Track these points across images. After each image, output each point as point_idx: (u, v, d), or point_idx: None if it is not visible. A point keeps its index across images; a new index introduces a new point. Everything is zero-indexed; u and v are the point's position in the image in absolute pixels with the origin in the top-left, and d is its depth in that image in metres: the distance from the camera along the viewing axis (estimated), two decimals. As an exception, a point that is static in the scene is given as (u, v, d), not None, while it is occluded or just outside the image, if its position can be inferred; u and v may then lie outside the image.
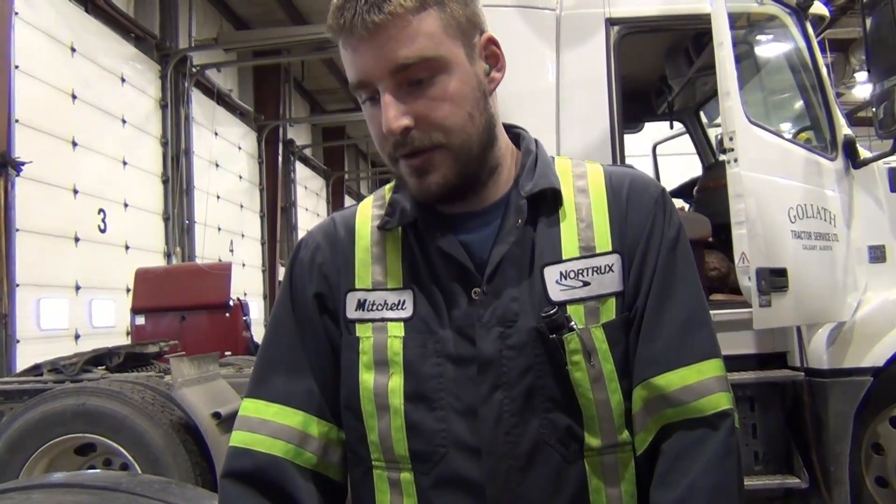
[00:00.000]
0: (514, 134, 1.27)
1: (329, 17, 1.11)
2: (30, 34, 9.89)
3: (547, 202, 1.17)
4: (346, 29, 1.07)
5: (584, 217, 1.17)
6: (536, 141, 1.26)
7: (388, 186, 1.27)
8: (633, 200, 1.18)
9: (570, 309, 1.12)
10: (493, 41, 1.17)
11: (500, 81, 1.18)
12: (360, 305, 1.19)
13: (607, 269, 1.14)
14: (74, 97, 10.92)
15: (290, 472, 1.18)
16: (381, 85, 1.08)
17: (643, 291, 1.15)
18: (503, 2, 3.75)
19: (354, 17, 1.06)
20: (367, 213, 1.26)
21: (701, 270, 3.97)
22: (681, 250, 1.18)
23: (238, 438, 1.21)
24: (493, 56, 1.17)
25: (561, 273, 1.14)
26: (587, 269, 1.14)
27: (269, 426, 1.19)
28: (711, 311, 1.22)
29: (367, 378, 1.16)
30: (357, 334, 1.19)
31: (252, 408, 1.22)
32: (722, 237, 4.10)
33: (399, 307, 1.17)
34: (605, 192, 1.19)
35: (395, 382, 1.15)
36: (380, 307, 1.18)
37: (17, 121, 9.38)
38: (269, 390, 1.22)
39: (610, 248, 1.15)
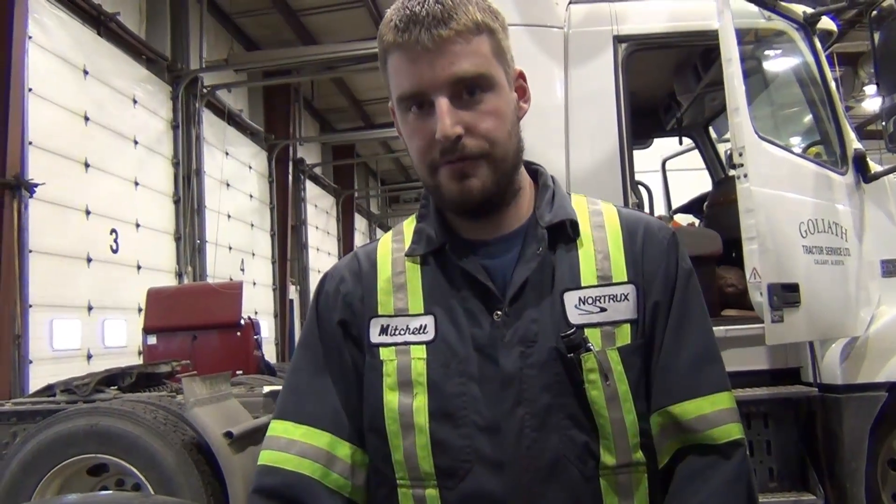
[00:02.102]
0: (532, 170, 1.34)
1: (386, 32, 1.18)
2: (43, 57, 10.01)
3: (565, 232, 1.25)
4: (410, 41, 1.14)
5: (601, 249, 1.25)
6: (553, 177, 1.33)
7: (406, 221, 1.34)
8: (648, 241, 1.27)
9: (587, 332, 1.19)
10: (522, 76, 1.28)
11: (527, 112, 1.28)
12: (384, 330, 1.25)
13: (623, 297, 1.22)
14: (87, 119, 11.02)
15: (317, 491, 1.22)
16: (437, 94, 1.15)
17: (660, 325, 1.23)
18: (511, 20, 3.76)
19: (421, 31, 1.13)
20: (387, 246, 1.33)
21: (713, 286, 3.95)
22: (693, 288, 1.27)
23: (266, 457, 1.25)
24: (521, 89, 1.28)
25: (580, 298, 1.21)
26: (604, 296, 1.22)
27: (298, 446, 1.24)
28: (724, 327, 1.30)
29: (391, 399, 1.21)
30: (381, 357, 1.24)
31: (280, 428, 1.27)
32: (734, 253, 4.09)
33: (421, 331, 1.23)
34: (620, 229, 1.28)
35: (420, 402, 1.19)
36: (402, 331, 1.24)
37: (30, 143, 9.47)
38: (297, 412, 1.27)
39: (625, 279, 1.23)
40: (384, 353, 1.24)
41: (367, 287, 1.28)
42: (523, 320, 1.19)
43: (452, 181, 1.18)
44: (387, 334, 1.24)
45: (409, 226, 1.33)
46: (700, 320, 1.26)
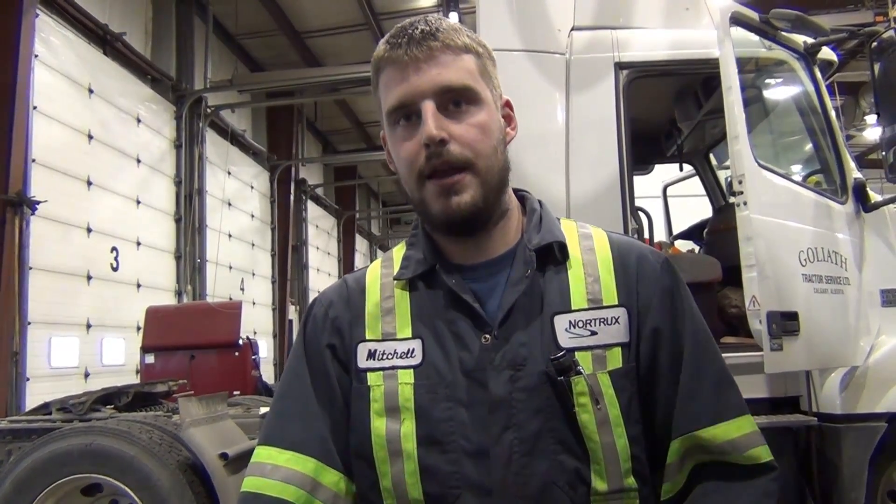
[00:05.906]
0: (519, 196, 1.35)
1: (379, 49, 1.23)
2: (49, 76, 10.08)
3: (553, 255, 1.25)
4: (400, 55, 1.18)
5: (592, 272, 1.24)
6: (540, 201, 1.34)
7: (396, 248, 1.35)
8: (642, 267, 1.27)
9: (577, 355, 1.18)
10: (509, 104, 1.31)
11: (513, 139, 1.29)
12: (371, 355, 1.24)
13: (613, 320, 1.21)
14: (91, 137, 11.07)
15: None
16: (424, 102, 1.18)
17: (665, 352, 1.22)
18: (514, 46, 3.81)
19: (410, 43, 1.18)
20: (376, 272, 1.33)
21: (713, 312, 3.94)
22: (697, 313, 1.27)
23: (249, 484, 1.23)
24: (507, 117, 1.30)
25: (570, 322, 1.20)
26: (595, 319, 1.21)
27: (281, 472, 1.21)
28: (723, 355, 1.28)
29: (378, 425, 1.20)
30: (368, 383, 1.22)
31: (265, 454, 1.25)
32: (733, 279, 4.08)
33: (409, 356, 1.22)
34: (610, 254, 1.27)
35: (408, 428, 1.18)
36: (390, 356, 1.23)
37: (33, 160, 9.52)
38: (283, 438, 1.25)
39: (616, 302, 1.22)
40: (371, 378, 1.22)
41: (356, 312, 1.28)
42: (512, 344, 1.19)
43: (439, 198, 1.18)
44: (374, 359, 1.23)
45: (398, 252, 1.33)
46: (712, 345, 1.27)
